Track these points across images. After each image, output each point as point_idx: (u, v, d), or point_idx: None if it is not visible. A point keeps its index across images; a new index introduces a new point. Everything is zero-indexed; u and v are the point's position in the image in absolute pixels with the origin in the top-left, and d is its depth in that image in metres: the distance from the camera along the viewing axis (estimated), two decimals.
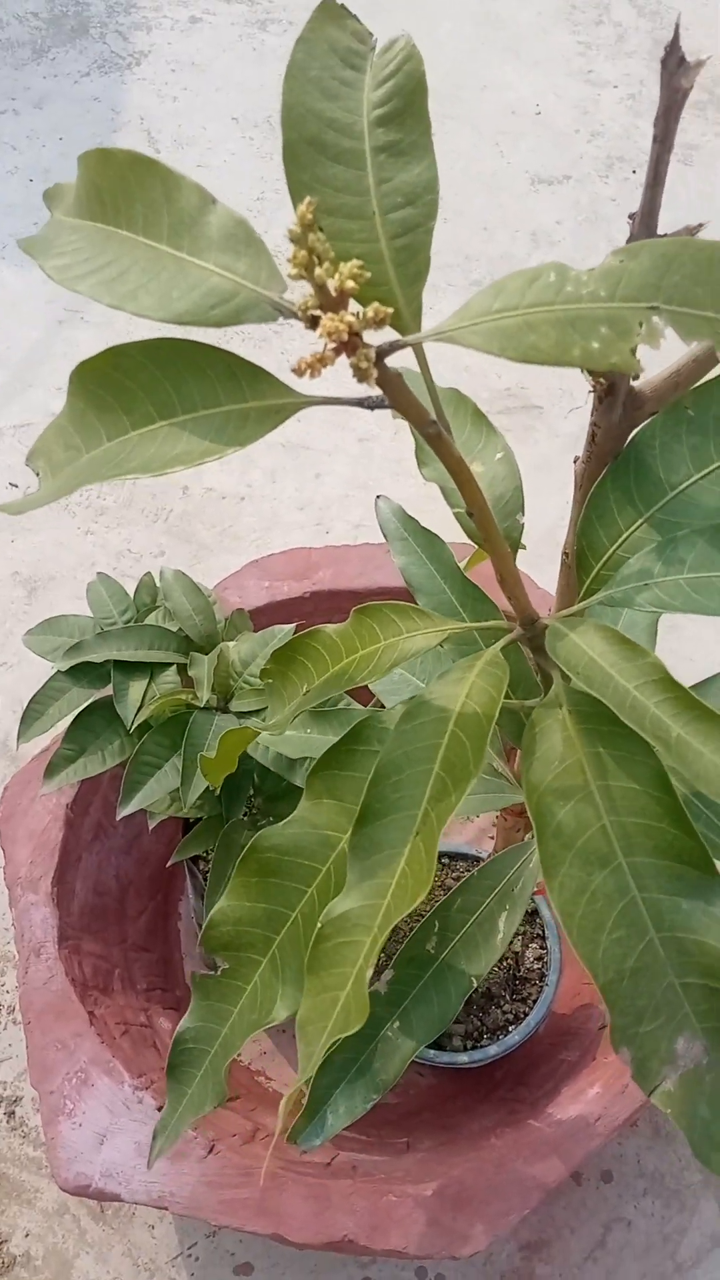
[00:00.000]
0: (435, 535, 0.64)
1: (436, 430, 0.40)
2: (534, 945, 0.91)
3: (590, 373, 0.47)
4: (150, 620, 0.89)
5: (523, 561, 0.56)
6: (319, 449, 1.39)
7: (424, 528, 0.64)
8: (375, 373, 0.35)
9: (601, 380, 0.48)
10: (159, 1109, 0.77)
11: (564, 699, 0.47)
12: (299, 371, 0.34)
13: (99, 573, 0.90)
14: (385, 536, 0.64)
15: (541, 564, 0.87)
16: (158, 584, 0.90)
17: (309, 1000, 0.45)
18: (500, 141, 1.72)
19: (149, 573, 0.91)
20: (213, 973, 0.51)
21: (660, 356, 0.45)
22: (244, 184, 1.64)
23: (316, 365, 0.34)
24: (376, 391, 0.38)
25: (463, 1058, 0.85)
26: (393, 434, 1.40)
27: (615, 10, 1.90)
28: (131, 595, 0.90)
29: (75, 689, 0.86)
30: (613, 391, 0.48)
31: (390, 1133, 0.87)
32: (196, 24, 1.89)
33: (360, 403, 0.38)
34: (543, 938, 0.91)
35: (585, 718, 0.46)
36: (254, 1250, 0.88)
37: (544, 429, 1.41)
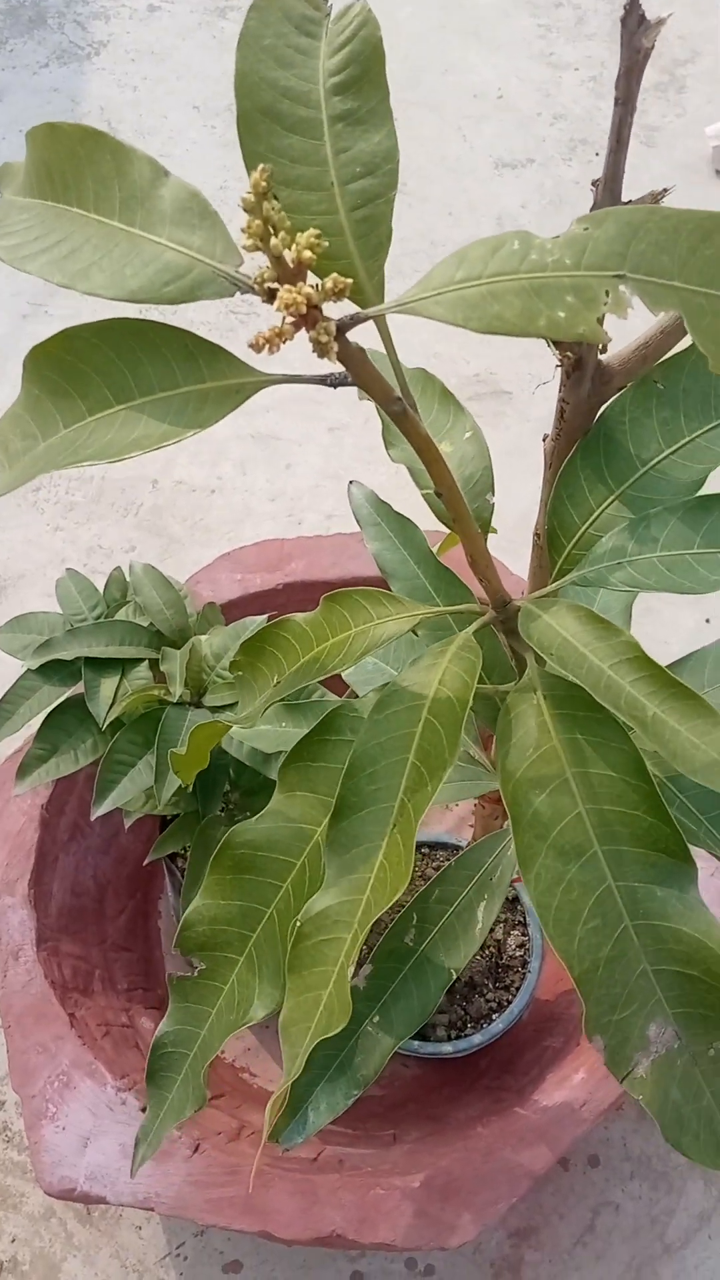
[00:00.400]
0: (408, 520, 0.63)
1: (401, 407, 0.38)
2: (515, 932, 0.91)
3: (557, 346, 0.46)
4: (120, 616, 0.87)
5: (496, 548, 0.55)
6: (289, 439, 1.38)
7: (397, 512, 0.63)
8: (336, 347, 0.34)
9: (569, 354, 0.47)
10: (142, 1110, 0.76)
11: (538, 683, 0.46)
12: (256, 346, 0.33)
13: (68, 569, 0.89)
14: (358, 522, 0.63)
15: (515, 549, 0.87)
16: (127, 579, 0.89)
17: (291, 1001, 0.44)
18: (463, 126, 1.71)
19: (118, 568, 0.89)
20: (190, 974, 0.50)
21: (627, 329, 0.44)
22: (207, 172, 1.62)
23: (275, 339, 0.33)
24: (339, 368, 0.37)
25: (447, 1047, 0.84)
26: (363, 423, 1.39)
27: None
28: (101, 591, 0.88)
29: (46, 687, 0.84)
30: (580, 366, 0.47)
31: (376, 1125, 0.86)
32: (155, 12, 1.87)
33: (323, 380, 0.37)
34: (524, 925, 0.91)
35: (560, 702, 0.45)
36: (243, 1248, 0.88)
37: (514, 414, 1.40)
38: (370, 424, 1.38)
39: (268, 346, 0.33)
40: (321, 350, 0.34)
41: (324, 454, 1.37)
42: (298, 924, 0.44)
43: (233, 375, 0.36)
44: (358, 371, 0.37)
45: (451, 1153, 0.74)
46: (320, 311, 0.33)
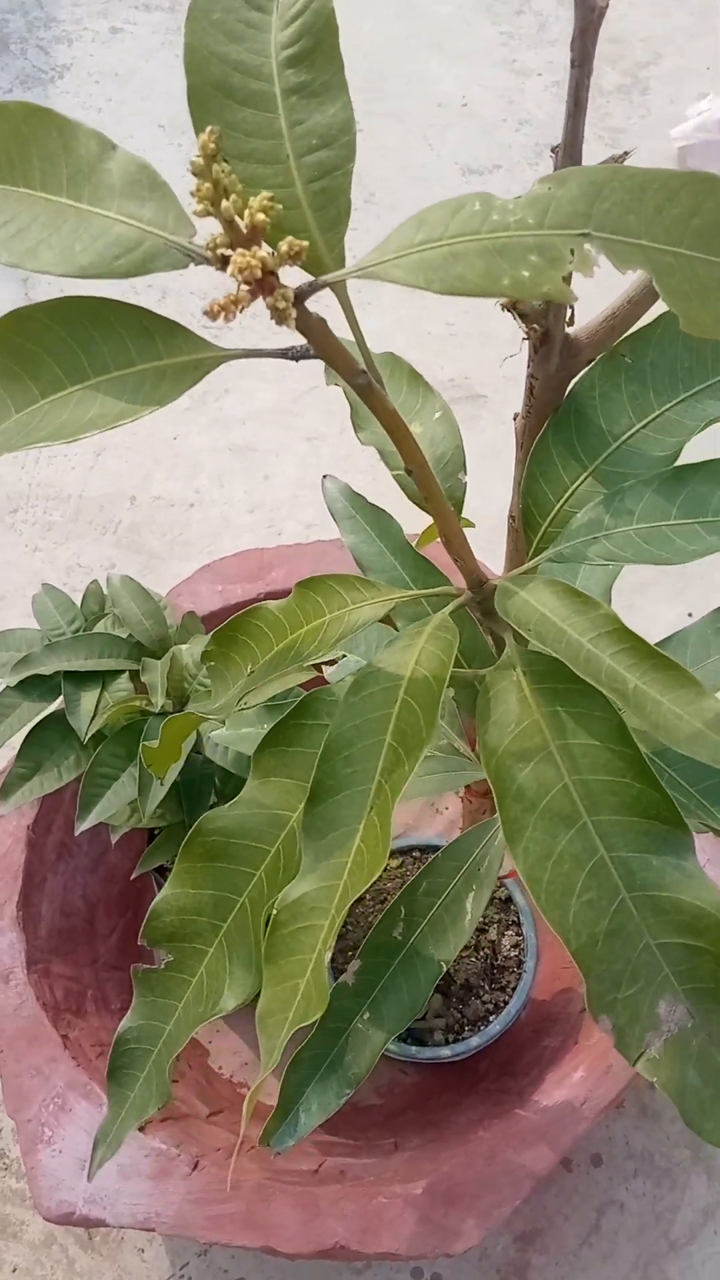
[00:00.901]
0: (383, 511, 0.62)
1: (367, 380, 0.38)
2: (510, 933, 0.89)
3: (524, 320, 0.46)
4: (99, 628, 0.86)
5: (474, 548, 0.54)
6: (266, 450, 1.37)
7: (371, 504, 0.63)
8: (294, 313, 0.33)
9: (535, 327, 0.46)
10: (141, 1130, 0.75)
11: (518, 661, 0.45)
12: (212, 314, 0.32)
13: (44, 584, 0.88)
14: (333, 516, 0.62)
15: (493, 548, 0.86)
16: (105, 592, 0.88)
17: (268, 991, 0.42)
18: (429, 134, 1.71)
19: (95, 580, 0.88)
20: (156, 967, 0.49)
21: (594, 301, 0.44)
22: (174, 190, 1.62)
23: (230, 307, 0.32)
24: (301, 341, 0.36)
25: (445, 1051, 0.83)
26: (339, 432, 1.39)
27: (535, 0, 1.91)
28: (79, 605, 0.87)
29: (25, 704, 0.83)
30: (548, 339, 0.47)
31: (377, 1134, 0.85)
32: (117, 34, 1.88)
33: (284, 353, 0.36)
34: (518, 925, 0.90)
35: (540, 677, 0.44)
36: (247, 1265, 0.86)
37: (490, 417, 1.39)
38: (346, 433, 1.38)
39: (223, 314, 0.32)
40: (280, 317, 0.33)
41: (301, 464, 1.36)
42: (273, 912, 0.43)
43: (190, 351, 0.35)
44: (320, 343, 0.36)
45: (453, 1158, 0.73)
46: (276, 278, 0.33)
